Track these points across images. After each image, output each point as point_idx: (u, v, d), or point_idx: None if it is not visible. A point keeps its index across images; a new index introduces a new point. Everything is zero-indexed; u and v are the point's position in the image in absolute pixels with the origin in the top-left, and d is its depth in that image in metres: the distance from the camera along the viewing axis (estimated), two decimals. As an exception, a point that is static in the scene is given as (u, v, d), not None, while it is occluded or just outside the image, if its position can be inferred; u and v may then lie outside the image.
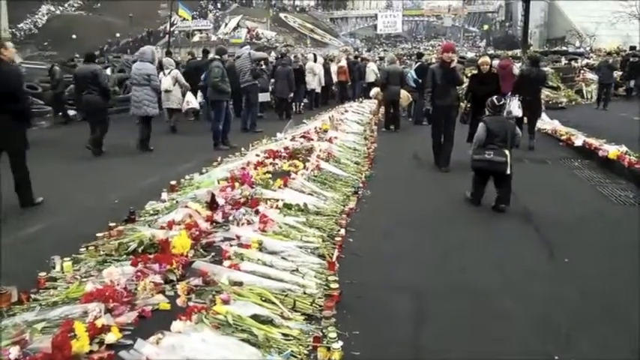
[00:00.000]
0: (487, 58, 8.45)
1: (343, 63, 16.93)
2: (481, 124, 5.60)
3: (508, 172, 5.31)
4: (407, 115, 13.22)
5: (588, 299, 3.53)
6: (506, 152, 5.33)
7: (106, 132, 8.53)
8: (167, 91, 10.75)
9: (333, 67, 16.77)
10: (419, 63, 12.82)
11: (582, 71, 18.62)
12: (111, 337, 2.60)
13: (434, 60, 16.27)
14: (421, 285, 3.71)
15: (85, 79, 8.44)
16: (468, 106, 8.00)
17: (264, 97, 12.40)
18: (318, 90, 15.73)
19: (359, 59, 19.23)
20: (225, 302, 2.95)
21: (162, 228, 4.20)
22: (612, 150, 7.43)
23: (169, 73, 10.82)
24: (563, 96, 16.19)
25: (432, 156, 7.58)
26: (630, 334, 3.05)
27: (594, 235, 4.86)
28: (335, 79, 16.78)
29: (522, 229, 5.00)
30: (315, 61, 15.80)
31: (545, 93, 15.95)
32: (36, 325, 2.71)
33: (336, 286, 3.41)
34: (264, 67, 12.80)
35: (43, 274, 3.47)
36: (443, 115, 7.24)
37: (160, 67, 10.88)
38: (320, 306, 3.14)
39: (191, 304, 2.99)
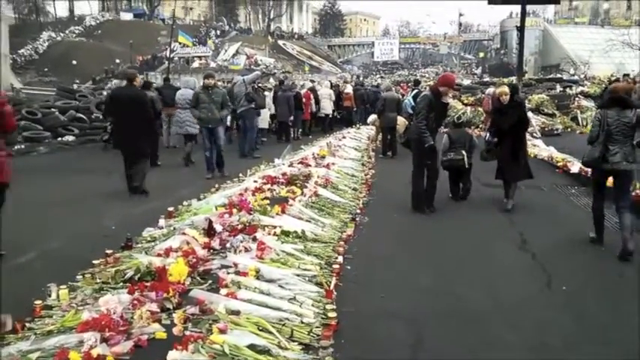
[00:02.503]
0: (505, 88, 6.86)
1: (349, 89, 17.51)
2: (445, 135, 7.39)
3: (466, 166, 7.03)
4: (403, 141, 13.29)
5: (585, 327, 3.52)
6: (463, 152, 7.04)
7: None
8: None
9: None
10: (415, 90, 12.97)
11: (577, 98, 18.85)
12: (106, 368, 2.58)
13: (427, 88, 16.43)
14: (419, 313, 3.69)
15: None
16: (491, 141, 6.81)
17: (263, 122, 12.50)
18: (331, 114, 16.52)
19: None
20: (222, 331, 2.93)
21: (159, 255, 4.19)
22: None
23: None
24: (559, 123, 16.33)
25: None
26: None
27: (591, 262, 4.86)
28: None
29: (519, 255, 5.00)
30: (331, 87, 17.11)
31: (541, 120, 16.16)
32: (30, 354, 2.69)
33: (334, 314, 3.39)
34: (260, 84, 13.08)
35: (38, 302, 3.44)
36: (431, 151, 6.40)
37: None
38: (317, 335, 3.12)
39: (187, 333, 2.97)
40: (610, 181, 5.28)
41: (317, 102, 16.00)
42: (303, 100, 15.03)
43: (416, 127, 6.52)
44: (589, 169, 7.38)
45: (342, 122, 17.03)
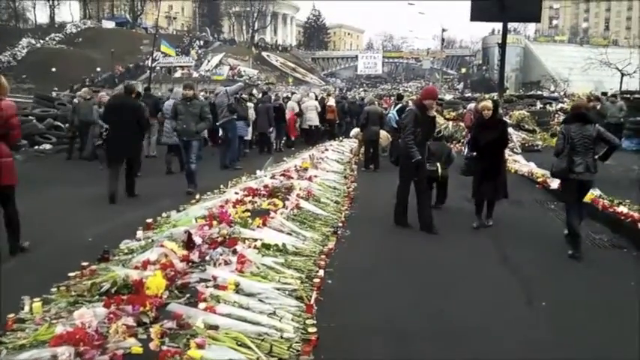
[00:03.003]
0: (488, 103, 6.64)
1: (331, 102, 17.47)
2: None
3: (439, 178, 7.44)
4: (388, 155, 13.38)
5: (565, 342, 3.53)
6: (438, 164, 7.41)
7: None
8: None
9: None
10: (399, 104, 13.08)
11: (557, 115, 19.21)
12: (79, 384, 2.50)
13: (410, 103, 16.61)
14: (400, 328, 3.67)
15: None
16: (470, 156, 6.69)
17: (245, 133, 12.51)
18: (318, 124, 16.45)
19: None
20: (200, 346, 2.88)
21: (136, 268, 4.11)
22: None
23: None
24: (539, 139, 16.59)
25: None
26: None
27: (570, 278, 4.90)
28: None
29: (499, 271, 5.02)
30: (316, 99, 17.16)
31: (522, 136, 16.40)
32: (1, 370, 2.60)
33: (314, 329, 3.36)
34: (244, 95, 13.11)
35: (10, 315, 3.35)
36: (419, 167, 6.32)
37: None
38: (297, 351, 3.08)
39: (164, 348, 2.91)
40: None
41: (300, 114, 16.12)
42: (287, 118, 15.19)
43: (403, 142, 6.40)
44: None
45: (324, 134, 17.08)
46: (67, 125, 13.24)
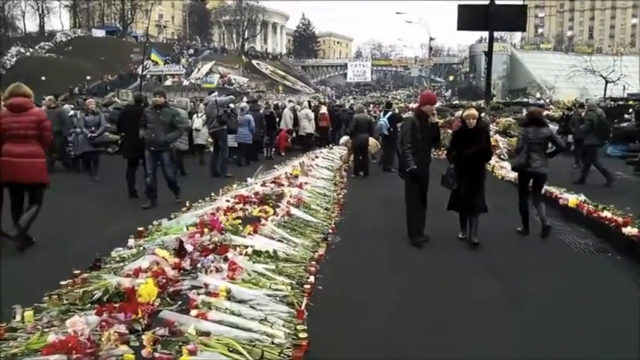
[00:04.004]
0: (474, 111, 6.40)
1: (324, 110, 18.02)
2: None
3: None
4: (377, 162, 13.49)
5: (552, 349, 3.60)
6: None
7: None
8: (197, 130, 13.36)
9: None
10: (389, 112, 13.22)
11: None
12: (72, 391, 2.52)
13: (397, 110, 16.83)
14: (391, 334, 3.72)
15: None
16: (451, 167, 6.30)
17: (232, 141, 12.68)
18: (313, 132, 17.05)
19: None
20: (192, 353, 2.91)
21: (128, 276, 4.12)
22: (572, 199, 7.71)
23: (200, 116, 13.21)
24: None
25: (401, 203, 6.43)
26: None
27: (556, 283, 4.98)
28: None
29: (485, 278, 5.09)
30: (309, 107, 17.77)
31: (508, 142, 16.54)
32: (-7, 378, 2.61)
33: (305, 335, 3.40)
34: (233, 107, 13.23)
35: (2, 324, 3.35)
36: (422, 176, 6.11)
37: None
38: (288, 356, 3.11)
39: (157, 355, 2.93)
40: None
41: (295, 122, 16.72)
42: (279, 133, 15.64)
43: (401, 151, 6.21)
44: (553, 192, 7.80)
45: (317, 142, 17.32)
46: None
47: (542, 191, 8.72)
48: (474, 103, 23.66)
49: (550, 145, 6.63)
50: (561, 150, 6.76)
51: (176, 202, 8.01)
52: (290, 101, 22.42)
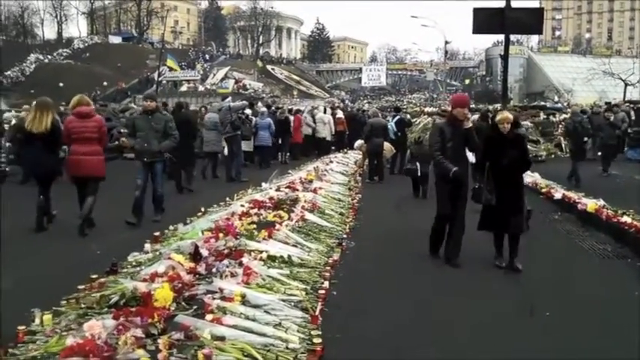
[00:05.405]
0: (508, 114, 5.56)
1: (340, 115, 18.30)
2: (408, 150, 10.19)
3: (419, 174, 9.44)
4: (391, 166, 13.45)
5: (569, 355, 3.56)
6: (417, 164, 9.35)
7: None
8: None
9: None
10: (397, 116, 13.21)
11: (560, 125, 19.21)
12: (89, 394, 2.55)
13: (409, 114, 16.84)
14: (405, 341, 3.70)
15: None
16: (484, 179, 5.52)
17: (246, 146, 12.85)
18: (329, 138, 17.37)
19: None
20: (207, 357, 2.92)
21: (144, 280, 4.16)
22: (590, 204, 7.60)
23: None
24: (543, 150, 16.60)
25: (418, 210, 6.65)
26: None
27: (575, 288, 4.91)
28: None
29: (502, 283, 5.04)
30: (324, 112, 18.06)
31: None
32: (13, 381, 2.65)
33: (319, 340, 3.39)
34: (248, 114, 13.45)
35: (21, 327, 3.40)
36: (454, 188, 5.46)
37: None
38: (303, 361, 3.12)
39: (172, 359, 2.95)
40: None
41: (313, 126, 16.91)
42: (292, 124, 15.61)
43: (434, 162, 5.68)
44: (572, 197, 7.70)
45: (334, 145, 17.46)
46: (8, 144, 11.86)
47: (560, 196, 8.76)
48: (490, 107, 23.49)
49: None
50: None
51: (153, 220, 7.22)
52: (314, 107, 22.43)
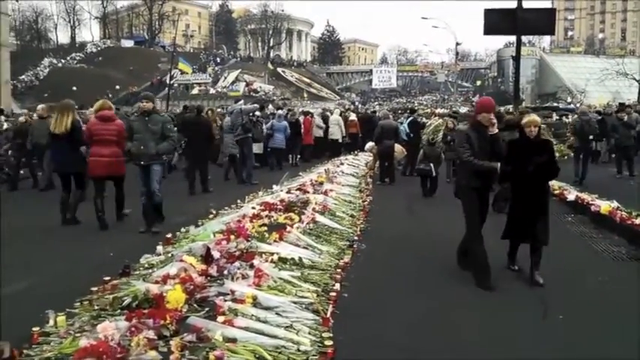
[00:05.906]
0: (535, 117, 5.15)
1: (353, 117, 18.32)
2: (422, 150, 10.38)
3: (433, 174, 9.89)
4: (403, 168, 13.43)
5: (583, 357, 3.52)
6: (431, 165, 9.81)
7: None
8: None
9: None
10: (411, 118, 13.17)
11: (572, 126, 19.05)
12: (103, 395, 2.57)
13: (421, 116, 16.81)
14: (416, 343, 3.69)
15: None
16: (505, 186, 5.41)
17: (257, 148, 12.92)
18: (340, 140, 17.36)
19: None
20: (219, 359, 2.94)
21: (156, 282, 4.19)
22: (604, 205, 7.52)
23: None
24: (556, 151, 16.45)
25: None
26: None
27: (589, 293, 4.86)
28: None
29: (515, 285, 5.00)
30: (340, 114, 18.11)
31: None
32: (27, 382, 2.68)
33: (331, 343, 3.40)
34: (259, 115, 13.57)
35: (36, 328, 3.44)
36: (480, 197, 5.11)
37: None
38: (314, 363, 3.12)
39: (184, 360, 2.97)
40: None
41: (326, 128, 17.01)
42: (302, 126, 15.65)
43: (463, 167, 5.29)
44: (585, 198, 7.65)
45: (346, 147, 17.44)
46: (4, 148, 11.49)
47: (573, 198, 8.69)
48: (502, 109, 23.34)
49: None
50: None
51: (152, 231, 6.80)
52: (326, 110, 22.44)
